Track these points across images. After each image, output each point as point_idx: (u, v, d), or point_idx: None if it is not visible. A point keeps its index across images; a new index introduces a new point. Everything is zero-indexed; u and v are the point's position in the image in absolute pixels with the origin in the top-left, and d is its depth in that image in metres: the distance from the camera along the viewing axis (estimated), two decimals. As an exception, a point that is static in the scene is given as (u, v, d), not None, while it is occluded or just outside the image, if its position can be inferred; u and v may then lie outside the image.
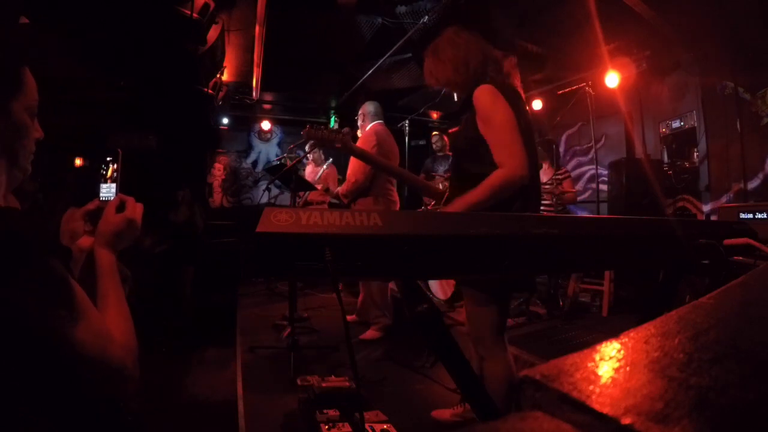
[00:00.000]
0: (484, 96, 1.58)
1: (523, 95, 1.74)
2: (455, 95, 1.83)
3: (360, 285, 3.58)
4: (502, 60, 1.73)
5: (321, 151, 4.98)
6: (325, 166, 4.96)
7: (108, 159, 0.99)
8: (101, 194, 0.98)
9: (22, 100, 0.74)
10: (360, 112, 3.47)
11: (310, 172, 4.99)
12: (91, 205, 0.93)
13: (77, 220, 0.93)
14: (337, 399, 1.89)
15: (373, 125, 3.37)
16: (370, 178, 3.23)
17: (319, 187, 4.76)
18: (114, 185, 0.97)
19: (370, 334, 3.33)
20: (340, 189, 3.56)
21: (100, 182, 0.98)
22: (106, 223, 0.86)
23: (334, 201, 4.44)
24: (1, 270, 0.58)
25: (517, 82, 1.78)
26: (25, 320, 0.59)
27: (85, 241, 0.89)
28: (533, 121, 1.75)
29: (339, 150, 2.00)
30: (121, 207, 0.89)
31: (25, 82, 0.75)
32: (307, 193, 4.32)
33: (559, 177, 4.09)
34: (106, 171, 0.99)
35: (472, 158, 1.61)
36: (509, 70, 1.76)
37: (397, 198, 3.45)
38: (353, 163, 3.31)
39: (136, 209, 0.90)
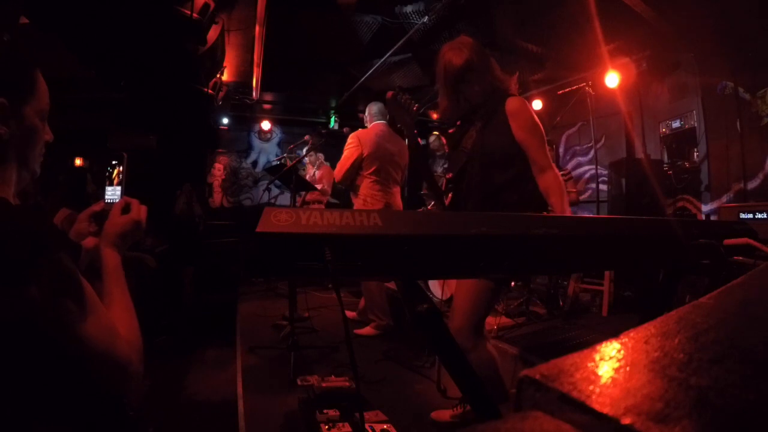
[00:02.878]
0: (526, 107, 1.74)
1: None
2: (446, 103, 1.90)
3: (362, 287, 3.60)
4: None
5: (317, 153, 5.01)
6: (316, 167, 4.98)
7: (113, 162, 1.01)
8: (107, 196, 1.00)
9: (35, 104, 0.76)
10: (366, 111, 3.55)
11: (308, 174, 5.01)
12: (96, 207, 0.95)
13: (83, 221, 0.95)
14: (337, 399, 1.89)
15: (374, 124, 3.42)
16: (348, 178, 3.33)
17: (319, 187, 4.78)
18: (119, 188, 0.99)
19: (366, 330, 3.36)
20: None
21: (106, 185, 1.00)
22: (111, 224, 0.88)
23: (333, 201, 4.45)
24: (13, 265, 0.59)
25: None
26: (35, 314, 0.59)
27: (89, 242, 0.91)
28: None
29: (407, 129, 1.86)
30: (126, 209, 0.91)
31: (38, 86, 0.77)
32: (306, 193, 4.34)
33: (563, 178, 4.09)
34: (111, 173, 1.01)
35: (508, 164, 1.73)
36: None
37: (392, 201, 3.42)
38: (342, 159, 3.39)
39: (141, 211, 0.92)
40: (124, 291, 0.82)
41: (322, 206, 4.26)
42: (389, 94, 1.83)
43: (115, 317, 0.74)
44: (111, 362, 0.67)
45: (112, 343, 0.68)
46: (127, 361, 0.69)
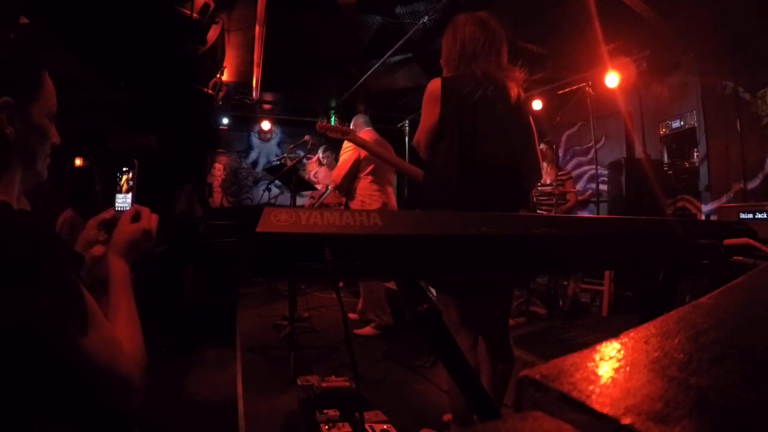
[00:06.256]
0: (426, 89, 1.62)
1: (513, 93, 1.63)
2: None
3: (360, 286, 3.62)
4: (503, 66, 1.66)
5: (335, 155, 5.02)
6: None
7: (124, 169, 0.98)
8: (117, 204, 0.97)
9: (42, 104, 0.75)
10: (352, 124, 3.62)
11: (324, 176, 5.02)
12: (106, 215, 0.92)
13: (92, 228, 0.92)
14: (337, 399, 1.89)
15: (364, 131, 3.48)
16: (347, 181, 3.38)
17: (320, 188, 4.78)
18: (129, 195, 0.96)
19: (366, 330, 3.39)
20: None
21: (115, 191, 0.98)
22: (120, 232, 0.86)
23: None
24: (14, 274, 0.57)
25: (511, 83, 1.64)
26: (34, 326, 0.58)
27: (98, 250, 0.89)
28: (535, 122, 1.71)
29: (347, 139, 2.19)
30: (136, 217, 0.88)
31: (45, 86, 0.75)
32: (325, 194, 4.38)
33: (562, 178, 4.10)
34: (120, 180, 0.99)
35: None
36: (508, 73, 1.66)
37: (389, 201, 3.47)
38: (339, 163, 3.47)
39: (151, 220, 0.89)
40: (130, 303, 0.80)
41: (342, 208, 4.28)
42: (318, 125, 2.21)
43: (118, 331, 0.72)
44: (112, 377, 0.65)
45: (114, 358, 0.66)
46: (129, 376, 0.67)
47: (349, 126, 2.40)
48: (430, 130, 1.61)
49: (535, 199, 2.77)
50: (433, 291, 2.00)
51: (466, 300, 1.64)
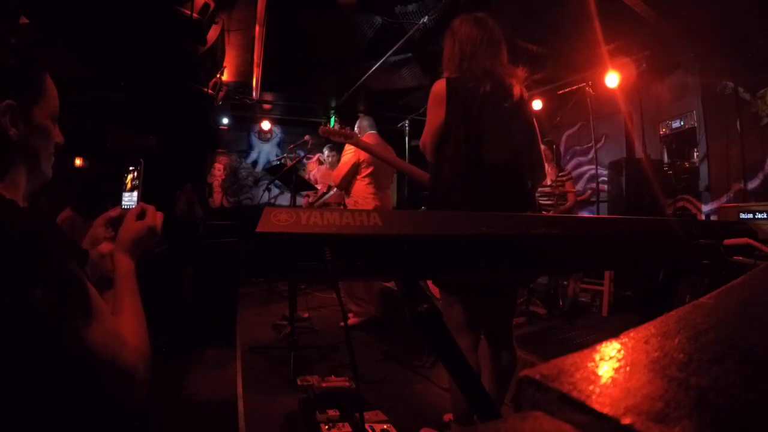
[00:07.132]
0: (431, 91, 1.63)
1: (515, 90, 1.62)
2: None
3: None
4: (503, 65, 1.65)
5: (338, 156, 5.05)
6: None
7: (130, 167, 1.00)
8: (123, 202, 0.99)
9: (44, 106, 0.76)
10: (356, 126, 3.68)
11: (322, 175, 5.03)
12: (113, 212, 0.95)
13: (99, 226, 0.94)
14: (337, 399, 1.89)
15: (367, 135, 3.52)
16: (345, 182, 3.48)
17: (319, 188, 4.79)
18: (135, 193, 0.98)
19: (350, 321, 3.46)
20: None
21: (122, 190, 1.00)
22: (126, 229, 0.88)
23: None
24: (18, 269, 0.58)
25: (512, 80, 1.63)
26: (37, 317, 0.59)
27: (105, 247, 0.91)
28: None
29: (350, 143, 2.24)
30: (141, 215, 0.90)
31: (46, 88, 0.77)
32: (328, 194, 4.44)
33: (562, 179, 4.11)
34: (126, 178, 1.00)
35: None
36: (509, 74, 1.65)
37: (384, 203, 3.55)
38: (339, 164, 3.58)
39: (156, 217, 0.91)
40: (135, 297, 0.81)
41: (342, 208, 4.37)
42: (321, 129, 2.20)
43: (123, 324, 0.73)
44: (116, 370, 0.66)
45: (118, 350, 0.67)
46: (133, 368, 0.68)
47: (352, 128, 2.49)
48: (436, 132, 1.60)
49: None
50: (435, 293, 2.01)
51: (468, 299, 1.64)
